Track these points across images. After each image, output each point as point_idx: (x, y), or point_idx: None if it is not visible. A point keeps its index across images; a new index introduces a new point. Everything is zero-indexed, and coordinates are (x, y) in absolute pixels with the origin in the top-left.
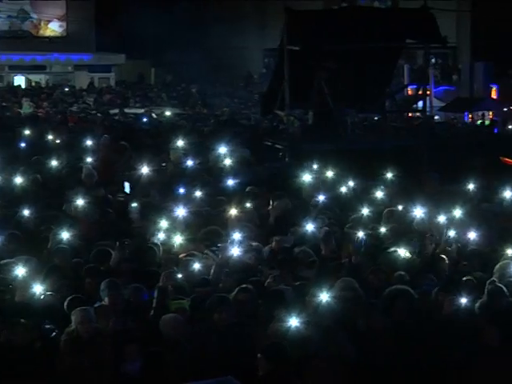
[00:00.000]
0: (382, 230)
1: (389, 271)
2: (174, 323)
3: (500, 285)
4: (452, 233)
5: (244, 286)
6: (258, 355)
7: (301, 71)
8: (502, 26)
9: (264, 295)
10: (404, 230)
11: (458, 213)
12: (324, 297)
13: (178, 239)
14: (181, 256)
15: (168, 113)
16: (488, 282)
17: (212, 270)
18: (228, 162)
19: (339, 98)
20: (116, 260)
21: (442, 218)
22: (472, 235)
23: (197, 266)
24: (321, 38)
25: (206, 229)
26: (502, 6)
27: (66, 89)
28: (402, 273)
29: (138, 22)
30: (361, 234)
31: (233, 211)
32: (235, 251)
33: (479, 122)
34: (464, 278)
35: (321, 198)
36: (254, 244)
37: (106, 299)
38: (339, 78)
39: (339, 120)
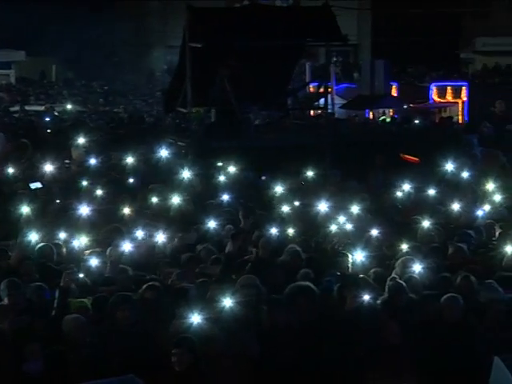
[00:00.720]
0: (290, 228)
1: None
2: (76, 323)
3: (400, 281)
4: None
5: (151, 283)
6: (175, 350)
7: (203, 69)
8: (401, 24)
9: (167, 293)
10: (309, 228)
11: (355, 209)
12: (227, 294)
13: (81, 237)
14: (85, 254)
15: (69, 109)
16: (389, 278)
17: (108, 268)
18: (130, 160)
19: (242, 95)
20: (16, 259)
21: (342, 216)
22: (374, 232)
23: (97, 263)
24: (222, 36)
25: (108, 227)
26: (400, 4)
27: None
28: (308, 270)
29: (37, 18)
30: (269, 232)
31: (127, 209)
32: (127, 248)
33: (380, 119)
34: (361, 276)
35: (225, 197)
36: (152, 241)
37: (6, 299)
38: (241, 76)
39: (242, 117)
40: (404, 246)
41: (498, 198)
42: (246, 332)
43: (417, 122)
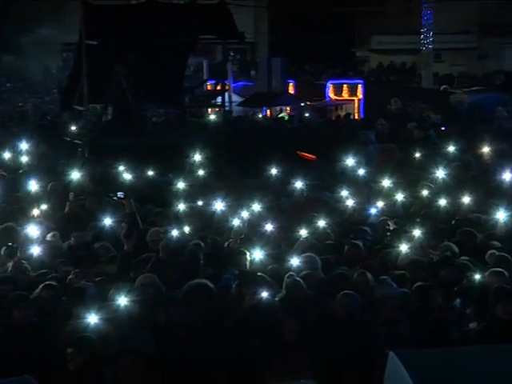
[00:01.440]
0: (186, 227)
1: None
2: None
3: (297, 278)
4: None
5: (48, 283)
6: (69, 350)
7: (99, 66)
8: (298, 22)
9: (65, 292)
10: (205, 226)
11: (256, 206)
12: (122, 293)
13: None
14: None
15: None
16: (286, 275)
17: (9, 268)
18: (25, 158)
19: (138, 92)
20: None
21: (239, 213)
22: (269, 227)
23: None
24: (118, 33)
25: (1, 226)
26: (297, 2)
27: None
28: (206, 268)
29: None
30: (168, 231)
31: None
32: (33, 248)
33: (279, 116)
34: (258, 273)
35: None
36: (50, 240)
37: None
38: (138, 73)
39: (139, 115)
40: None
41: (393, 194)
42: (142, 330)
43: (313, 119)
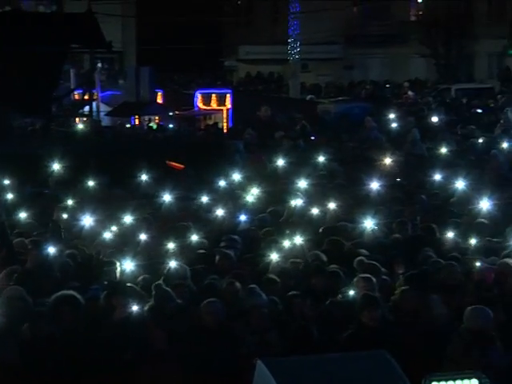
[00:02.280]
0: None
1: None
2: None
3: (166, 288)
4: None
5: None
6: None
7: None
8: (167, 31)
9: None
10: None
11: (127, 218)
12: None
13: None
14: None
15: None
16: (153, 285)
17: None
18: None
19: (4, 102)
20: None
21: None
22: (140, 237)
23: None
24: None
25: None
26: (165, 12)
27: None
28: (74, 281)
29: None
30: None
31: None
32: None
33: (147, 126)
34: (128, 284)
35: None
36: None
37: None
38: (4, 81)
39: (4, 124)
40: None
41: (262, 202)
42: (6, 342)
43: (182, 128)
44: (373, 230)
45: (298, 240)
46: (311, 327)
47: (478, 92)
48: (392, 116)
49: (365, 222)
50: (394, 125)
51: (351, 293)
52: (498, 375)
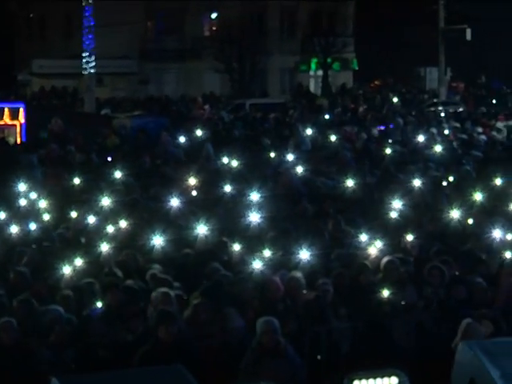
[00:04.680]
0: None
1: None
2: None
3: None
4: None
5: None
6: None
7: None
8: None
9: None
10: None
11: None
12: None
13: None
14: None
15: None
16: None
17: None
18: None
19: None
20: None
21: None
22: None
23: None
24: None
25: None
26: None
27: None
28: None
29: None
30: None
31: None
32: None
33: None
34: None
35: None
36: None
37: None
38: None
39: None
40: None
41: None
42: None
43: None
44: (162, 246)
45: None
46: (107, 344)
47: (271, 107)
48: (187, 130)
49: (156, 237)
50: (188, 139)
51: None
52: None
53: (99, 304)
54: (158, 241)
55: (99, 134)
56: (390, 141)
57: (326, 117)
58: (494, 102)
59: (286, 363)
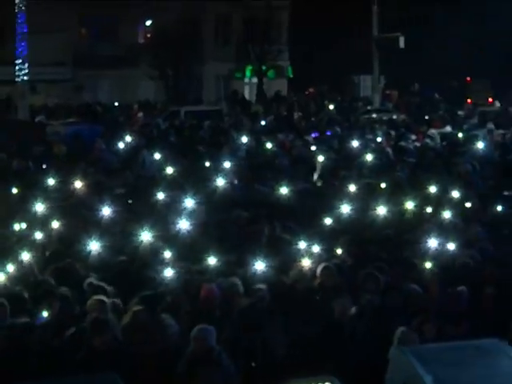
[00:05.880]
0: None
1: None
2: None
3: None
4: None
5: None
6: None
7: None
8: None
9: None
10: None
11: None
12: None
13: None
14: None
15: None
16: None
17: None
18: None
19: None
20: None
21: None
22: None
23: None
24: None
25: None
26: None
27: None
28: None
29: None
30: None
31: None
32: None
33: None
34: None
35: None
36: None
37: None
38: None
39: None
40: None
41: None
42: None
43: None
44: (99, 252)
45: (27, 261)
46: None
47: (206, 114)
48: (122, 138)
49: (91, 243)
50: (124, 146)
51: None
52: None
53: (33, 312)
54: (93, 247)
55: (44, 142)
56: (324, 148)
57: (262, 123)
58: (426, 109)
59: (219, 370)
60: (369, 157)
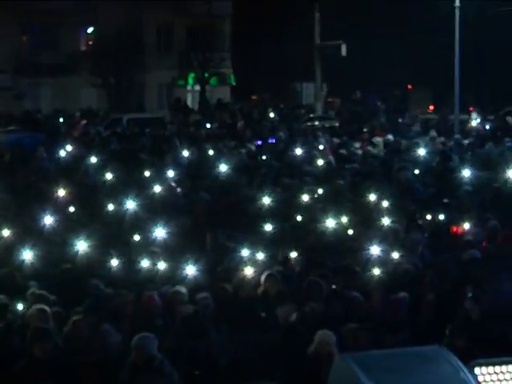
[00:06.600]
0: None
1: None
2: None
3: None
4: None
5: None
6: None
7: None
8: None
9: None
10: None
11: None
12: None
13: None
14: None
15: None
16: None
17: None
18: None
19: None
20: None
21: None
22: None
23: None
24: None
25: None
26: None
27: None
28: None
29: None
30: None
31: None
32: None
33: None
34: None
35: None
36: None
37: None
38: None
39: None
40: None
41: None
42: None
43: None
44: (40, 261)
45: None
46: None
47: (149, 122)
48: (63, 146)
49: (32, 253)
50: (65, 155)
51: None
52: None
53: None
54: (35, 256)
55: None
56: (266, 156)
57: (204, 131)
58: (368, 117)
59: (161, 379)
60: (312, 164)
